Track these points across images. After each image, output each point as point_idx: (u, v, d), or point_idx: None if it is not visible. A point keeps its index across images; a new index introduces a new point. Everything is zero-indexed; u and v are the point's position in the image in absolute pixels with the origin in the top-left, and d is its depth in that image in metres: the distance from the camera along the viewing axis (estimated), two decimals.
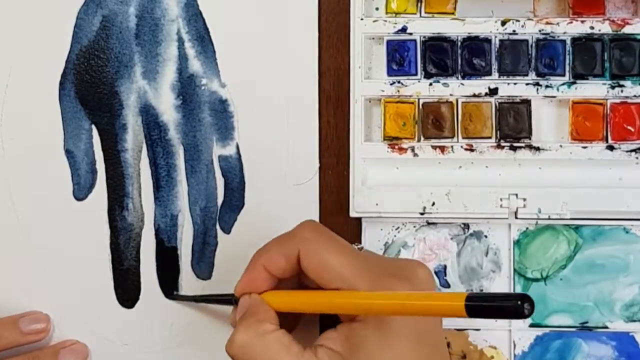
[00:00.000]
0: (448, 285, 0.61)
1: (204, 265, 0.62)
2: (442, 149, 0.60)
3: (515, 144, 0.60)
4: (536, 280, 0.61)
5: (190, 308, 0.62)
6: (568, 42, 0.60)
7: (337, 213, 0.62)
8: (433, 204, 0.60)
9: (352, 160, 0.60)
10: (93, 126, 0.62)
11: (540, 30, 0.60)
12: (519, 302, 0.44)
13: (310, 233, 0.53)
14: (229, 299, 0.57)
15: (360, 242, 0.59)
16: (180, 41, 0.62)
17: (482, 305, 0.46)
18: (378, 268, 0.52)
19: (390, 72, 0.61)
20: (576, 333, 0.61)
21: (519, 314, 0.45)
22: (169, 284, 0.62)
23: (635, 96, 0.60)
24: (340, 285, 0.51)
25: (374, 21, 0.60)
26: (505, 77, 0.60)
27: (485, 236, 0.61)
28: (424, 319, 0.51)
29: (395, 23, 0.60)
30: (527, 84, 0.60)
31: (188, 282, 0.62)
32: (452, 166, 0.61)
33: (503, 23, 0.60)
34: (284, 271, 0.54)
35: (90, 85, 0.62)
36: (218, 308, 0.62)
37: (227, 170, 0.62)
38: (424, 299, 0.49)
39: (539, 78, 0.60)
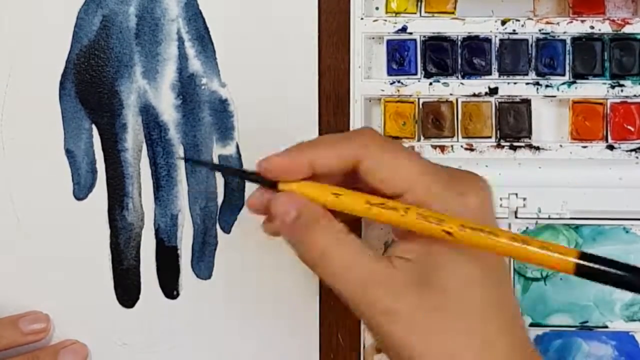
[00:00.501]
0: None
1: (204, 265, 0.62)
2: (442, 148, 0.60)
3: (515, 144, 0.60)
4: (536, 280, 0.61)
5: (190, 308, 0.62)
6: (568, 41, 0.60)
7: (336, 213, 0.62)
8: None
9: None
10: (93, 126, 0.62)
11: (540, 30, 0.60)
12: (636, 276, 0.42)
13: (370, 139, 0.49)
14: (251, 177, 0.50)
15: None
16: (180, 41, 0.62)
17: (593, 269, 0.44)
18: (443, 171, 0.49)
19: (390, 71, 0.61)
20: (576, 333, 0.61)
21: (633, 287, 0.43)
22: (169, 284, 0.62)
23: (635, 96, 0.60)
24: (409, 189, 0.48)
25: (374, 21, 0.60)
26: (505, 77, 0.60)
27: None
28: (497, 258, 0.48)
29: (395, 23, 0.60)
30: (527, 84, 0.60)
31: (188, 282, 0.62)
32: (452, 166, 0.61)
33: (503, 23, 0.60)
34: (332, 172, 0.49)
35: (91, 85, 0.62)
36: (219, 309, 0.62)
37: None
38: (534, 244, 0.45)
39: (539, 78, 0.60)
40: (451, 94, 0.60)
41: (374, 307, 0.47)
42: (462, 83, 0.60)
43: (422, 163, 0.49)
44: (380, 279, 0.47)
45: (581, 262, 0.44)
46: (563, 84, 0.60)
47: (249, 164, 0.62)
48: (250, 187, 0.62)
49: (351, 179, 0.49)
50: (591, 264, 0.44)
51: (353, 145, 0.49)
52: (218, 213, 0.62)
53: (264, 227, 0.52)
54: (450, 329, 0.47)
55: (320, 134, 0.61)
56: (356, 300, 0.47)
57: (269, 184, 0.49)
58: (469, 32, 0.60)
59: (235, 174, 0.58)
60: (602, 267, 0.44)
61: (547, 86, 0.60)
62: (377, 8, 0.61)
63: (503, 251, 0.46)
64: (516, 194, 0.60)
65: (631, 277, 0.43)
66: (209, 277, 0.62)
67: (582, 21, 0.60)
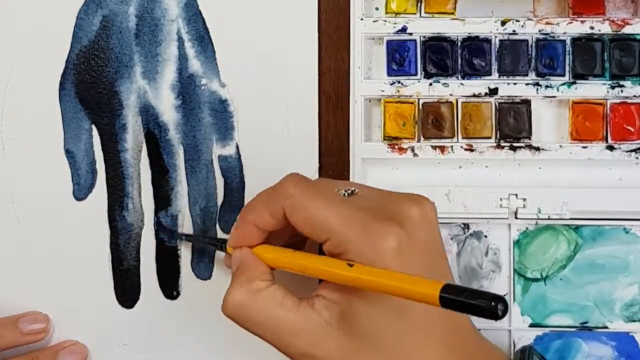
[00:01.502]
0: None
1: (204, 265, 0.62)
2: (442, 149, 0.60)
3: (515, 144, 0.60)
4: (536, 280, 0.61)
5: (190, 308, 0.62)
6: (568, 42, 0.60)
7: None
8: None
9: (352, 160, 0.60)
10: (93, 126, 0.62)
11: (540, 30, 0.60)
12: (492, 303, 0.43)
13: (294, 188, 0.52)
14: (220, 245, 0.57)
15: (348, 188, 0.55)
16: (180, 41, 0.62)
17: (456, 300, 0.45)
18: (368, 213, 0.51)
19: (390, 72, 0.61)
20: (576, 333, 0.61)
21: (491, 314, 0.43)
22: (169, 284, 0.62)
23: (635, 96, 0.60)
24: (329, 237, 0.50)
25: (374, 21, 0.60)
26: (505, 77, 0.60)
27: (485, 236, 0.61)
28: (420, 256, 0.50)
29: (395, 23, 0.60)
30: (527, 84, 0.60)
31: (188, 282, 0.62)
32: (452, 166, 0.61)
33: (503, 23, 0.60)
34: (273, 226, 0.53)
35: (90, 85, 0.62)
36: (219, 309, 0.62)
37: (227, 170, 0.62)
38: (400, 281, 0.47)
39: (539, 78, 0.60)
40: (451, 95, 0.60)
41: (296, 354, 0.51)
42: (462, 83, 0.60)
43: (343, 209, 0.51)
44: (297, 329, 0.51)
45: (443, 294, 0.45)
46: (563, 84, 0.60)
47: (249, 164, 0.62)
48: (250, 187, 0.62)
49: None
50: (452, 296, 0.45)
51: (279, 198, 0.52)
52: (218, 213, 0.62)
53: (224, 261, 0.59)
54: None
55: (320, 134, 0.61)
56: (280, 349, 0.52)
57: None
58: (469, 33, 0.60)
59: (210, 244, 0.61)
60: (461, 299, 0.45)
61: (547, 87, 0.60)
62: (377, 8, 0.61)
63: (365, 286, 0.49)
64: (516, 195, 0.60)
65: (488, 305, 0.44)
66: (209, 277, 0.62)
67: (582, 22, 0.60)
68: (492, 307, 0.43)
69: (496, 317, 0.43)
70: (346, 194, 0.53)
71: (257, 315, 0.51)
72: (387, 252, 0.49)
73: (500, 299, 0.43)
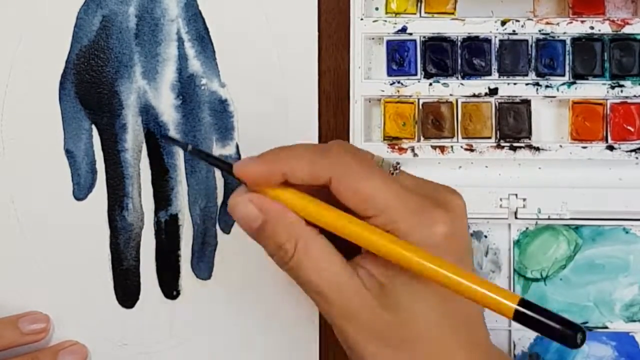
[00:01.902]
0: None
1: (204, 265, 0.62)
2: (442, 149, 0.60)
3: (515, 144, 0.60)
4: (536, 280, 0.61)
5: (190, 308, 0.62)
6: (568, 42, 0.60)
7: None
8: None
9: None
10: (93, 126, 0.62)
11: (540, 30, 0.60)
12: (572, 331, 0.44)
13: (345, 157, 0.50)
14: (228, 168, 0.51)
15: (389, 160, 0.54)
16: (180, 41, 0.62)
17: (532, 317, 0.45)
18: (420, 197, 0.50)
19: (390, 72, 0.61)
20: None
21: (570, 341, 0.44)
22: (168, 284, 0.62)
23: (635, 96, 0.60)
24: (379, 214, 0.49)
25: (374, 21, 0.60)
26: (505, 77, 0.60)
27: (485, 236, 0.61)
28: (457, 247, 0.50)
29: (395, 23, 0.60)
30: (527, 84, 0.60)
31: (188, 282, 0.62)
32: (452, 166, 0.61)
33: (503, 23, 0.60)
34: (303, 184, 0.50)
35: (90, 85, 0.62)
36: (219, 309, 0.62)
37: None
38: (478, 283, 0.47)
39: (538, 78, 0.60)
40: (451, 95, 0.60)
41: (338, 316, 0.50)
42: (462, 83, 0.60)
43: (395, 187, 0.50)
44: (342, 287, 0.49)
45: (520, 308, 0.45)
46: (563, 84, 0.60)
47: None
48: None
49: (322, 193, 0.50)
50: (529, 312, 0.45)
51: (328, 163, 0.49)
52: (218, 213, 0.62)
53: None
54: (404, 347, 0.49)
55: (320, 134, 0.61)
56: (320, 302, 0.50)
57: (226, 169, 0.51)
58: (469, 33, 0.60)
59: (210, 162, 0.55)
60: (539, 317, 0.45)
61: (547, 87, 0.60)
62: (377, 8, 0.61)
63: (447, 284, 0.47)
64: (516, 195, 0.60)
65: (565, 331, 0.44)
66: (208, 277, 0.62)
67: (582, 22, 0.60)
68: (572, 335, 0.44)
69: (576, 345, 0.44)
70: (392, 171, 0.52)
71: (310, 263, 0.49)
72: (437, 238, 0.49)
73: (580, 329, 0.44)
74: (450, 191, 0.52)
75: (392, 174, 0.52)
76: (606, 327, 0.61)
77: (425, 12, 0.61)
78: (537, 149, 0.60)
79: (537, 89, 0.60)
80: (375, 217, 0.49)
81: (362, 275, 0.50)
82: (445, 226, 0.49)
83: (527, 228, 0.61)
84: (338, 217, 0.49)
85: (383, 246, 0.48)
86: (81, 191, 0.62)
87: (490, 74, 0.60)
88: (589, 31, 0.60)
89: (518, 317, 0.45)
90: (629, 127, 0.60)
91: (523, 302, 0.45)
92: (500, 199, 0.60)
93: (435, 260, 0.48)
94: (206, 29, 0.62)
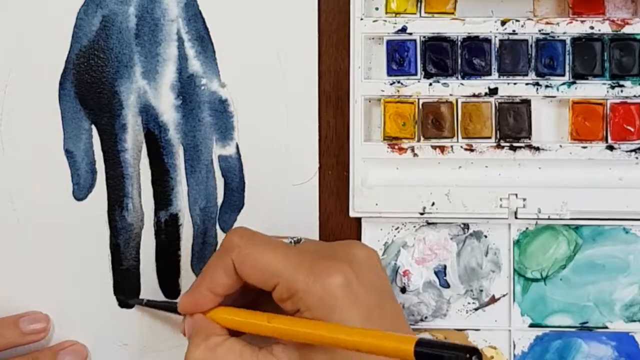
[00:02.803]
0: (448, 286, 0.61)
1: (203, 265, 0.62)
2: (442, 149, 0.60)
3: (515, 144, 0.60)
4: (536, 280, 0.61)
5: None
6: (568, 42, 0.60)
7: (337, 213, 0.62)
8: (433, 204, 0.60)
9: (352, 161, 0.60)
10: (93, 126, 0.62)
11: (540, 30, 0.60)
12: (467, 355, 0.44)
13: (239, 239, 0.53)
14: (174, 308, 0.57)
15: (294, 236, 0.57)
16: (180, 41, 0.62)
17: (431, 354, 0.46)
18: (314, 255, 0.52)
19: (390, 72, 0.61)
20: (576, 333, 0.61)
21: None
22: (168, 284, 0.62)
23: (635, 96, 0.60)
24: (278, 281, 0.52)
25: (374, 21, 0.60)
26: (505, 77, 0.60)
27: (485, 236, 0.61)
28: (368, 293, 0.52)
29: (395, 23, 0.60)
30: (527, 84, 0.60)
31: (188, 282, 0.62)
32: (452, 166, 0.61)
33: (503, 23, 0.60)
34: (228, 287, 0.54)
35: (90, 85, 0.62)
36: None
37: (227, 170, 0.62)
38: (373, 337, 0.48)
39: (538, 78, 0.60)
40: (451, 95, 0.60)
41: None
42: (462, 83, 0.60)
43: (291, 253, 0.52)
44: None
45: (419, 349, 0.46)
46: (563, 84, 0.60)
47: (249, 164, 0.62)
48: (250, 187, 0.62)
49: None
50: (428, 349, 0.46)
51: (226, 253, 0.53)
52: (218, 213, 0.62)
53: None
54: None
55: (320, 134, 0.61)
56: None
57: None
58: (469, 33, 0.60)
59: (166, 308, 0.61)
60: (438, 351, 0.46)
61: (547, 86, 0.60)
62: (377, 8, 0.61)
63: (343, 345, 0.49)
64: (516, 195, 0.60)
65: (462, 357, 0.45)
66: None
67: (582, 21, 0.60)
68: (467, 358, 0.44)
69: None
70: (293, 242, 0.55)
71: None
72: (335, 289, 0.51)
73: (475, 351, 0.44)
74: (357, 245, 0.55)
75: (292, 243, 0.55)
76: (606, 327, 0.61)
77: (425, 12, 0.61)
78: (537, 149, 0.60)
79: (537, 89, 0.60)
80: (277, 287, 0.52)
81: (278, 352, 0.52)
82: (342, 276, 0.51)
83: (527, 228, 0.61)
84: (247, 315, 0.54)
85: (280, 329, 0.51)
86: (81, 191, 0.62)
87: (490, 74, 0.60)
88: (589, 31, 0.60)
89: (420, 357, 0.46)
90: (629, 127, 0.60)
91: (420, 343, 0.46)
92: (500, 199, 0.60)
93: (315, 325, 0.50)
94: (206, 29, 0.62)
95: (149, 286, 0.62)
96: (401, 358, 0.47)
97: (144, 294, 0.62)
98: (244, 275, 0.53)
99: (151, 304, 0.61)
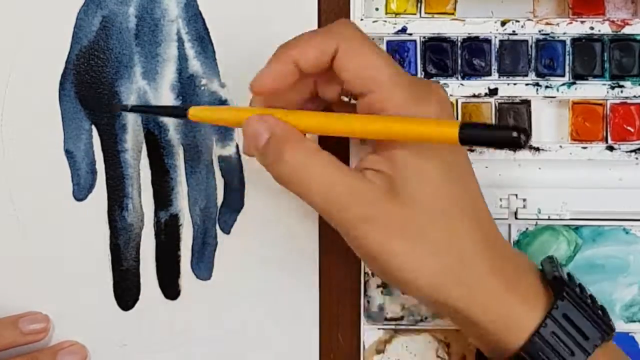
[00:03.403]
0: None
1: (204, 265, 0.62)
2: None
3: None
4: None
5: (190, 309, 0.62)
6: (568, 42, 0.60)
7: None
8: None
9: (352, 160, 0.60)
10: (93, 126, 0.62)
11: (540, 31, 0.60)
12: (514, 134, 0.45)
13: (349, 31, 0.51)
14: (178, 112, 0.57)
15: None
16: (180, 41, 0.62)
17: (478, 133, 0.46)
18: (413, 80, 0.51)
19: None
20: None
21: (515, 144, 0.45)
22: (168, 284, 0.62)
23: (635, 97, 0.60)
24: (375, 89, 0.50)
25: (374, 22, 0.60)
26: (505, 78, 0.60)
27: None
28: (460, 156, 0.52)
29: (395, 23, 0.60)
30: (527, 85, 0.60)
31: (188, 282, 0.62)
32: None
33: (503, 23, 0.60)
34: (315, 67, 0.51)
35: (90, 86, 0.62)
36: (219, 309, 0.62)
37: (226, 170, 0.62)
38: (419, 123, 0.48)
39: (538, 78, 0.60)
40: (451, 95, 0.60)
41: (353, 217, 0.50)
42: (462, 84, 0.60)
43: (392, 68, 0.51)
44: (355, 191, 0.50)
45: (464, 130, 0.47)
46: (563, 84, 0.60)
47: (249, 164, 0.62)
48: (250, 188, 0.62)
49: (328, 79, 0.52)
50: (472, 130, 0.47)
51: (333, 37, 0.51)
52: (218, 214, 0.62)
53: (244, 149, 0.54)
54: (424, 231, 0.50)
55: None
56: (335, 213, 0.50)
57: (180, 113, 0.56)
58: (469, 33, 0.60)
59: (168, 113, 0.60)
60: (482, 131, 0.47)
61: (547, 87, 0.60)
62: (377, 9, 0.61)
63: (394, 134, 0.49)
64: (516, 195, 0.60)
65: (508, 134, 0.45)
66: (208, 277, 0.62)
67: (582, 22, 0.60)
68: (515, 137, 0.44)
69: (519, 145, 0.45)
70: None
71: (318, 176, 0.50)
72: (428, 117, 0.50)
73: (523, 130, 0.44)
74: (438, 85, 0.53)
75: None
76: None
77: (425, 13, 0.61)
78: (537, 149, 0.60)
79: (537, 89, 0.60)
80: (370, 95, 0.50)
81: (369, 176, 0.51)
82: (437, 107, 0.51)
83: (527, 228, 0.61)
84: (329, 117, 0.52)
85: (343, 127, 0.51)
86: (81, 191, 0.62)
87: (490, 75, 0.61)
88: (589, 31, 0.60)
89: (465, 139, 0.47)
90: (628, 128, 0.60)
91: (464, 125, 0.47)
92: (500, 199, 0.60)
93: (371, 118, 0.50)
94: (206, 29, 0.62)
95: (149, 286, 0.62)
96: (447, 141, 0.47)
97: (144, 294, 0.62)
98: (343, 67, 0.50)
99: (137, 109, 0.60)
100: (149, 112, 0.61)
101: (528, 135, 0.45)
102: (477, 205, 0.53)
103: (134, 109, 0.60)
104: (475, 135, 0.47)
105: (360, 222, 0.50)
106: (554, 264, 0.55)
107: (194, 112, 0.55)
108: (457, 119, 0.60)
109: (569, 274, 0.55)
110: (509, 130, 0.45)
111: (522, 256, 0.56)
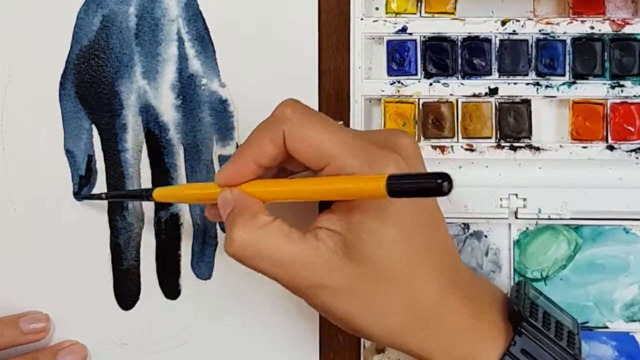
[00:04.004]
0: None
1: (204, 265, 0.62)
2: (442, 149, 0.60)
3: (515, 144, 0.60)
4: (536, 280, 0.61)
5: (190, 308, 0.62)
6: (568, 42, 0.60)
7: None
8: None
9: None
10: (93, 126, 0.62)
11: (540, 30, 0.60)
12: (439, 181, 0.44)
13: (292, 112, 0.51)
14: (143, 195, 0.58)
15: (340, 120, 0.57)
16: (180, 41, 0.62)
17: (402, 184, 0.46)
18: (366, 141, 0.51)
19: (390, 72, 0.61)
20: None
21: (438, 192, 0.44)
22: (169, 284, 0.62)
23: (635, 96, 0.60)
24: (329, 162, 0.50)
25: (374, 21, 0.60)
26: (505, 77, 0.60)
27: (485, 236, 0.61)
28: (421, 208, 0.51)
29: (395, 23, 0.60)
30: (527, 84, 0.60)
31: (188, 282, 0.62)
32: (452, 166, 0.61)
33: (503, 23, 0.60)
34: (272, 159, 0.52)
35: (90, 85, 0.62)
36: (219, 309, 0.62)
37: None
38: (345, 182, 0.48)
39: (539, 78, 0.60)
40: (451, 95, 0.60)
41: (302, 284, 0.50)
42: (462, 83, 0.60)
43: (341, 136, 0.51)
44: (307, 260, 0.50)
45: (389, 182, 0.46)
46: (563, 84, 0.60)
47: None
48: None
49: (291, 158, 0.52)
50: (399, 182, 0.46)
51: (278, 124, 0.51)
52: None
53: (207, 214, 0.57)
54: (377, 293, 0.50)
55: None
56: (286, 281, 0.51)
57: (145, 197, 0.58)
58: (469, 33, 0.60)
59: (132, 197, 0.62)
60: (407, 181, 0.46)
61: (547, 86, 0.60)
62: (377, 8, 0.61)
63: (314, 195, 0.50)
64: (516, 195, 0.60)
65: (432, 182, 0.45)
66: (209, 277, 0.62)
67: (582, 21, 0.60)
68: (438, 184, 0.44)
69: (442, 193, 0.44)
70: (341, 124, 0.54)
71: (266, 250, 0.50)
72: None
73: (446, 176, 0.44)
74: (401, 133, 0.53)
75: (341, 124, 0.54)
76: (606, 327, 0.61)
77: (426, 12, 0.61)
78: (537, 149, 0.60)
79: (537, 89, 0.60)
80: (327, 167, 0.50)
81: (322, 235, 0.50)
82: (395, 166, 0.50)
83: (527, 228, 0.61)
84: (286, 183, 0.52)
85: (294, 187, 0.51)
86: (81, 191, 0.62)
87: (490, 74, 0.60)
88: (589, 31, 0.60)
89: (393, 191, 0.46)
90: (629, 127, 0.60)
91: (391, 177, 0.46)
92: (501, 199, 0.60)
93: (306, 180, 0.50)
94: (206, 29, 0.62)
95: (149, 286, 0.62)
96: (375, 196, 0.47)
97: (144, 294, 0.62)
98: (293, 150, 0.51)
99: (110, 196, 0.61)
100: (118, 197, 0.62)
101: (451, 182, 0.44)
102: (439, 252, 0.52)
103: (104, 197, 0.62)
104: (401, 186, 0.46)
105: (309, 288, 0.51)
106: (519, 292, 0.56)
107: (158, 193, 0.57)
108: (457, 119, 0.60)
109: (539, 293, 0.57)
110: (432, 179, 0.44)
111: (487, 287, 0.56)
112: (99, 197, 0.61)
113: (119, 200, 0.62)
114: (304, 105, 0.52)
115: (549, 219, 0.60)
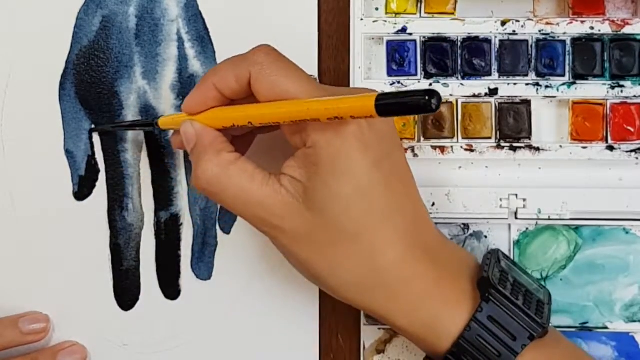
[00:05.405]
0: None
1: (204, 265, 0.62)
2: (442, 149, 0.60)
3: (515, 144, 0.60)
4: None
5: (190, 309, 0.62)
6: (568, 42, 0.60)
7: None
8: (433, 204, 0.60)
9: None
10: (93, 126, 0.62)
11: (540, 31, 0.60)
12: (426, 97, 0.44)
13: (263, 57, 0.52)
14: (150, 123, 0.58)
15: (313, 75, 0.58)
16: (180, 41, 0.62)
17: (391, 103, 0.46)
18: (329, 93, 0.51)
19: (390, 72, 0.61)
20: (576, 333, 0.61)
21: (426, 109, 0.44)
22: (168, 284, 0.62)
23: (635, 96, 0.60)
24: None
25: (374, 21, 0.60)
26: (505, 78, 0.60)
27: (485, 236, 0.61)
28: (387, 171, 0.52)
29: (395, 23, 0.60)
30: (527, 84, 0.60)
31: (188, 283, 0.62)
32: (452, 166, 0.61)
33: (503, 23, 0.60)
34: (234, 92, 0.53)
35: (90, 86, 0.62)
36: (219, 309, 0.62)
37: None
38: (334, 102, 0.48)
39: (539, 78, 0.60)
40: (451, 95, 0.60)
41: (267, 227, 0.52)
42: (462, 84, 0.60)
43: (305, 86, 0.51)
44: (267, 202, 0.51)
45: (378, 100, 0.46)
46: (563, 84, 0.60)
47: None
48: None
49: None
50: (387, 100, 0.46)
51: (246, 64, 0.52)
52: (218, 214, 0.62)
53: (171, 140, 0.58)
54: (333, 245, 0.51)
55: None
56: (251, 221, 0.52)
57: (149, 124, 0.59)
58: (469, 33, 0.60)
59: (139, 125, 0.61)
60: (397, 99, 0.46)
61: (547, 87, 0.60)
62: (377, 9, 0.61)
63: (307, 114, 0.49)
64: (516, 195, 0.60)
65: (419, 99, 0.45)
66: (208, 278, 0.62)
67: (582, 22, 0.60)
68: (427, 101, 0.44)
69: (430, 110, 0.44)
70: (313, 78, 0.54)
71: (230, 188, 0.51)
72: (348, 136, 0.50)
73: (433, 93, 0.44)
74: (365, 90, 0.53)
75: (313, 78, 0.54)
76: (606, 327, 0.61)
77: (425, 13, 0.61)
78: (537, 149, 0.60)
79: (537, 89, 0.60)
80: None
81: (285, 182, 0.51)
82: (356, 124, 0.50)
83: (527, 228, 0.61)
84: (246, 108, 0.52)
85: (263, 115, 0.51)
86: (81, 191, 0.62)
87: (490, 74, 0.61)
88: (589, 31, 0.60)
89: (381, 110, 0.46)
90: (629, 128, 0.60)
91: (380, 96, 0.46)
92: (501, 199, 0.60)
93: (279, 105, 0.51)
94: (206, 29, 0.62)
95: (149, 286, 0.62)
96: (365, 114, 0.47)
97: (144, 294, 0.62)
98: (257, 92, 0.52)
99: (118, 127, 0.61)
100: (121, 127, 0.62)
101: (440, 98, 0.44)
102: (404, 214, 0.52)
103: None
104: (389, 104, 0.46)
105: (270, 229, 0.52)
106: (489, 260, 0.55)
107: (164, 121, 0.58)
108: (457, 119, 0.60)
109: (512, 264, 0.56)
110: (420, 95, 0.44)
111: (460, 255, 0.56)
112: (107, 129, 0.62)
113: (126, 129, 0.62)
114: (280, 54, 0.53)
115: (549, 219, 0.60)
